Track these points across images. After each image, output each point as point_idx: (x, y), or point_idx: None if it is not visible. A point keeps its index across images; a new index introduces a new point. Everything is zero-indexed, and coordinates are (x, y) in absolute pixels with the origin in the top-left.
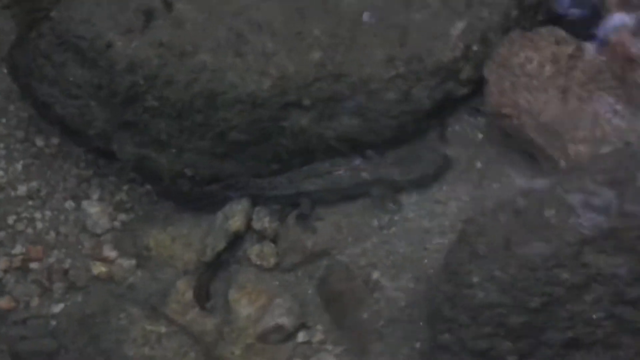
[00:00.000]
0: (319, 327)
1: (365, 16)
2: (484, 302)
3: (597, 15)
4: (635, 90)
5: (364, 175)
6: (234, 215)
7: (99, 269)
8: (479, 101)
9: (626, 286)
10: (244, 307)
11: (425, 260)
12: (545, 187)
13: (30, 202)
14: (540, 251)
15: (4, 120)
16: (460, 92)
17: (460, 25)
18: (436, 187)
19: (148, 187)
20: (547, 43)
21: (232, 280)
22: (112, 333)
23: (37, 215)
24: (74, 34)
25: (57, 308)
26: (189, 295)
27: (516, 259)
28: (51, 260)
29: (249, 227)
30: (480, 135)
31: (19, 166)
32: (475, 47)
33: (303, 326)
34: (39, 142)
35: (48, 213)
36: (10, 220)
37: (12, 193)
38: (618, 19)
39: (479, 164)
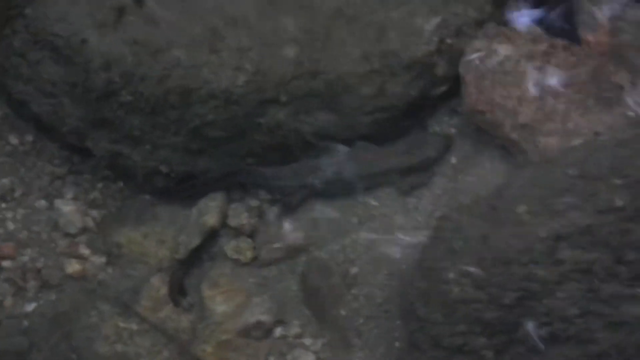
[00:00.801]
0: (297, 322)
1: None
2: (459, 298)
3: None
4: (606, 84)
5: (369, 166)
6: (209, 212)
7: (72, 267)
8: (458, 102)
9: (600, 282)
10: (218, 304)
11: (398, 256)
12: (519, 182)
13: (3, 202)
14: (515, 246)
15: None
16: (436, 91)
17: (435, 21)
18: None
19: (121, 184)
20: (523, 40)
21: (206, 276)
22: (84, 330)
23: (10, 214)
24: (50, 31)
25: (30, 307)
26: (163, 292)
27: (491, 255)
28: (24, 258)
29: (224, 223)
30: (453, 131)
31: None
32: (449, 41)
33: (281, 322)
34: (13, 140)
35: (21, 211)
36: None
37: None
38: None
39: (453, 159)
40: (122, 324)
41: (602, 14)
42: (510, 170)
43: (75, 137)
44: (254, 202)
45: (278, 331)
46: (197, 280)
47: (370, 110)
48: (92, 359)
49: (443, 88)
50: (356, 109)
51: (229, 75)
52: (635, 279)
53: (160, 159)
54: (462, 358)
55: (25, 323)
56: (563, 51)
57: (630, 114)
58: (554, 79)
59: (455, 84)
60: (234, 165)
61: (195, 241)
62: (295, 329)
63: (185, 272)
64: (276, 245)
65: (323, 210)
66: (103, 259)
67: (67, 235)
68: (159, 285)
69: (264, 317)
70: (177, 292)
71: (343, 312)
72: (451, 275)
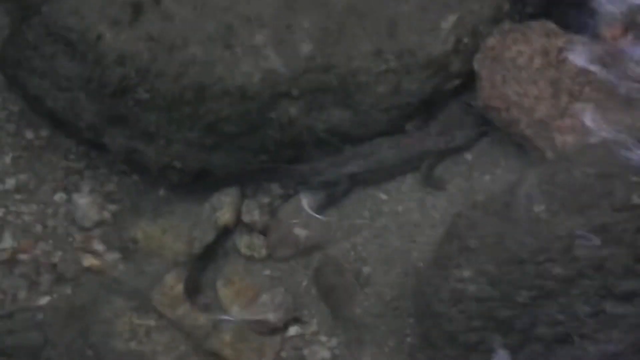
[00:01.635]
0: (313, 319)
1: None
2: (475, 296)
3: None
4: (624, 82)
5: (409, 150)
6: (222, 207)
7: (89, 260)
8: (471, 96)
9: (616, 279)
10: (233, 301)
11: (415, 254)
12: (534, 179)
13: (18, 196)
14: (531, 245)
15: None
16: (449, 86)
17: (451, 19)
18: None
19: (137, 178)
20: (537, 36)
21: (221, 272)
22: (100, 326)
23: (25, 207)
24: (64, 26)
25: (44, 300)
26: (179, 288)
27: (507, 253)
28: (39, 252)
29: (238, 219)
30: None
31: (7, 159)
32: (465, 40)
33: (295, 319)
34: (29, 134)
35: (36, 205)
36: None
37: (1, 187)
38: None
39: (469, 157)
40: (138, 321)
41: (619, 9)
42: (525, 168)
43: (92, 133)
44: (266, 199)
45: (293, 328)
46: (212, 276)
47: (385, 107)
48: (109, 356)
49: (456, 83)
50: (371, 105)
51: (244, 71)
52: None
53: (175, 154)
54: (477, 356)
55: (40, 316)
56: (580, 46)
57: None
58: (570, 76)
59: (469, 79)
60: (254, 164)
61: (210, 237)
62: (311, 327)
63: (201, 268)
64: (289, 243)
65: (339, 206)
66: (118, 254)
67: (83, 229)
68: (174, 281)
69: (279, 314)
70: (193, 288)
71: (358, 310)
72: (466, 273)
